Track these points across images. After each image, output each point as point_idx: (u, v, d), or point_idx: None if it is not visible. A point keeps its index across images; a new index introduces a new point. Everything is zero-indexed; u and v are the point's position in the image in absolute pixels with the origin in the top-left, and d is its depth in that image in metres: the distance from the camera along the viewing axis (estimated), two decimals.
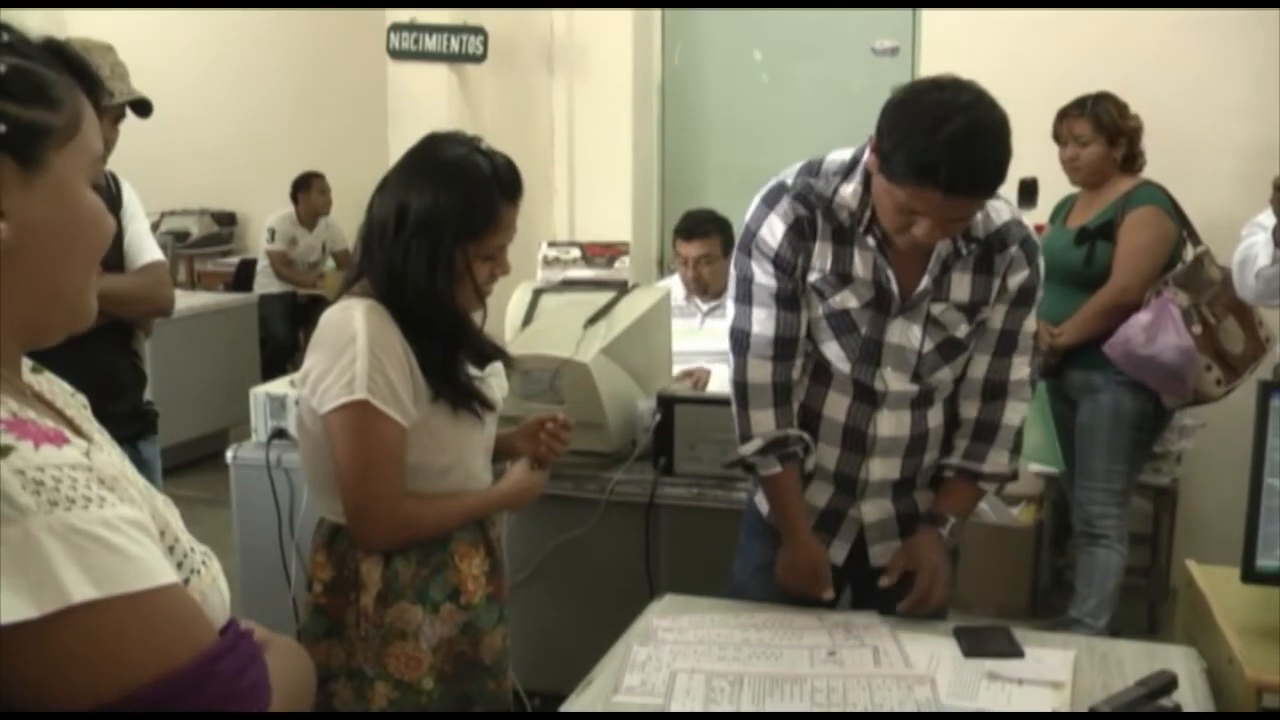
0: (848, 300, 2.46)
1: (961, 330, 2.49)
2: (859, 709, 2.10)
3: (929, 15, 5.65)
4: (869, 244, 2.41)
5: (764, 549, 2.65)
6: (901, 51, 5.76)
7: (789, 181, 2.45)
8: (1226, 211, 3.63)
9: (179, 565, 1.21)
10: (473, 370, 2.31)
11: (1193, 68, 5.19)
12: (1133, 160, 4.48)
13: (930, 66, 5.59)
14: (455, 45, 5.38)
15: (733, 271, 2.52)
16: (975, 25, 5.46)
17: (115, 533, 1.08)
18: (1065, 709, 2.08)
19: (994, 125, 2.22)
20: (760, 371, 2.49)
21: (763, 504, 2.67)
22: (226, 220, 9.51)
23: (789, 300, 2.47)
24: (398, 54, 5.42)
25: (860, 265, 2.43)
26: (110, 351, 3.18)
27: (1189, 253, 4.34)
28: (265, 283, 8.30)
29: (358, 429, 2.13)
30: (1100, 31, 5.25)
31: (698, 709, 2.08)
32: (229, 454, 3.77)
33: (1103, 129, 4.42)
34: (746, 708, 2.07)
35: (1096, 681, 2.19)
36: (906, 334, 2.47)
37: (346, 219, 8.00)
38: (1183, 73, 5.18)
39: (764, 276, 2.46)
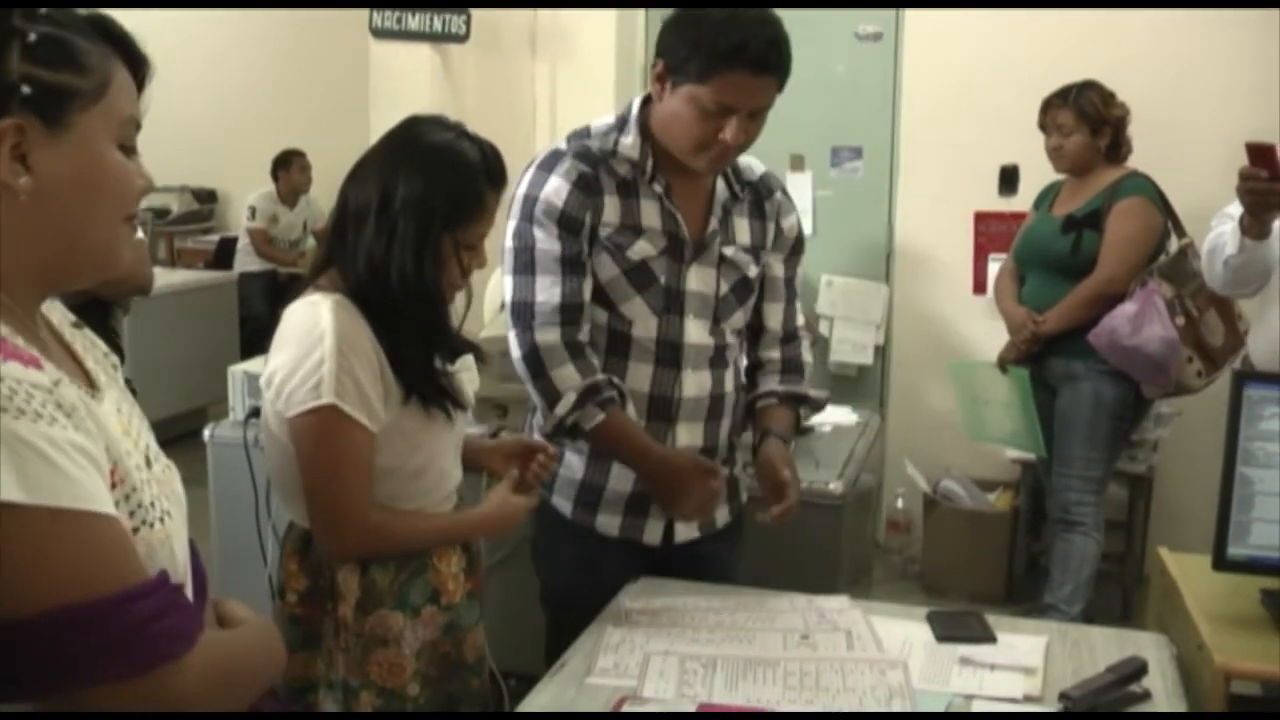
0: (645, 250, 2.47)
1: (752, 270, 2.62)
2: (831, 692, 2.12)
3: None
4: (655, 191, 2.47)
5: (577, 550, 2.62)
6: (885, 37, 5.77)
7: (563, 146, 2.47)
8: (1212, 203, 3.64)
9: (130, 514, 1.26)
10: (446, 366, 2.25)
11: (1180, 58, 5.21)
12: (1118, 149, 4.50)
13: (915, 51, 5.63)
14: (438, 24, 5.37)
15: (509, 243, 2.47)
16: (960, 11, 5.48)
17: (58, 451, 1.14)
18: (1036, 694, 2.10)
19: (777, 16, 2.38)
20: (549, 335, 2.43)
21: (564, 504, 2.61)
22: (207, 197, 9.49)
23: (574, 263, 2.43)
24: (380, 32, 5.40)
25: (648, 215, 2.47)
26: (89, 328, 3.17)
27: (1173, 244, 4.37)
28: (245, 261, 8.28)
29: (324, 435, 2.04)
30: (1088, 19, 5.27)
31: (671, 691, 2.09)
32: (207, 432, 3.76)
33: (1086, 119, 4.44)
34: (719, 690, 2.08)
35: (1068, 667, 2.21)
36: (703, 278, 2.54)
37: (327, 197, 7.93)
38: (1170, 63, 5.20)
39: (548, 241, 2.42)
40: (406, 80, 5.33)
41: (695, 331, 2.53)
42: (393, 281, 2.08)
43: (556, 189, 2.41)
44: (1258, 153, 3.15)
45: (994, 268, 5.09)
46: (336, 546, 2.11)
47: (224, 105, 8.97)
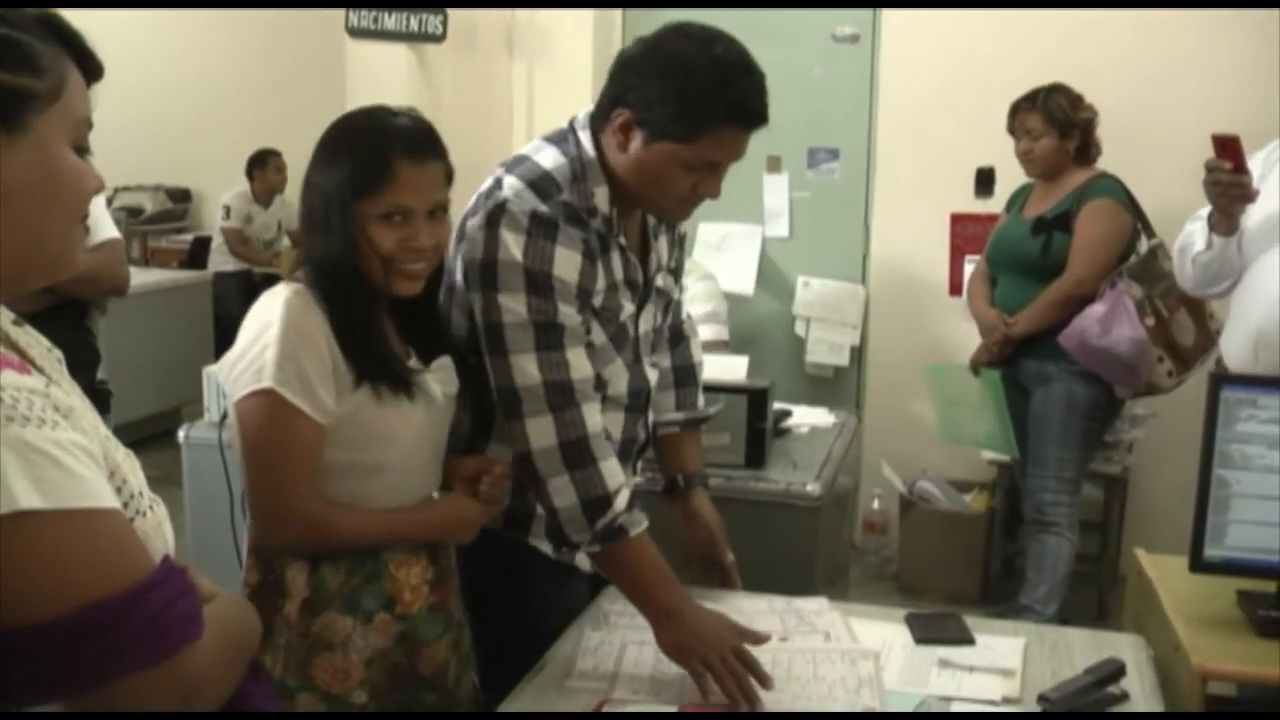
0: (628, 308, 2.34)
1: (675, 294, 2.55)
2: (801, 681, 2.13)
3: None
4: (620, 243, 2.29)
5: (565, 589, 2.44)
6: (862, 39, 5.78)
7: (540, 207, 2.16)
8: (1181, 204, 3.66)
9: (125, 505, 1.27)
10: (415, 364, 2.17)
11: (1151, 61, 5.23)
12: (1087, 151, 4.52)
13: (892, 53, 5.63)
14: (414, 24, 5.36)
15: (525, 319, 2.14)
16: (937, 13, 5.49)
17: (65, 453, 1.16)
18: (1015, 696, 2.10)
19: (752, 58, 2.18)
20: (595, 418, 2.20)
21: (543, 542, 2.36)
22: (181, 197, 9.44)
23: (587, 332, 2.25)
24: (356, 32, 5.39)
25: (616, 268, 2.30)
26: (64, 330, 3.13)
27: (1143, 245, 4.39)
28: (220, 260, 8.24)
29: (264, 419, 1.99)
30: (1061, 22, 5.29)
31: (645, 675, 2.13)
32: (181, 433, 3.75)
33: (1054, 122, 4.45)
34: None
35: (1046, 669, 2.21)
36: (648, 317, 2.43)
37: None
38: (1141, 66, 5.23)
39: (569, 315, 2.17)
40: (383, 80, 5.31)
41: (650, 372, 2.47)
42: (323, 265, 2.05)
43: (568, 263, 2.16)
44: (1222, 144, 3.17)
45: (970, 269, 5.10)
46: (270, 535, 2.05)
47: (199, 104, 8.93)
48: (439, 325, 2.25)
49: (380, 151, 2.03)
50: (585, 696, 2.06)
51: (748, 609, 2.44)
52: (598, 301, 2.25)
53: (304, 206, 2.10)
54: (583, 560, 2.38)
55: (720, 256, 5.78)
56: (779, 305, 5.95)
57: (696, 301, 4.94)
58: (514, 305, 2.14)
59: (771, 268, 5.99)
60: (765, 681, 2.07)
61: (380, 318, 2.13)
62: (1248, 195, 3.25)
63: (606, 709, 1.95)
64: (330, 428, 2.02)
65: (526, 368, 2.15)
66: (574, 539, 2.21)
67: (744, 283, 5.89)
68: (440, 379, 2.20)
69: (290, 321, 1.98)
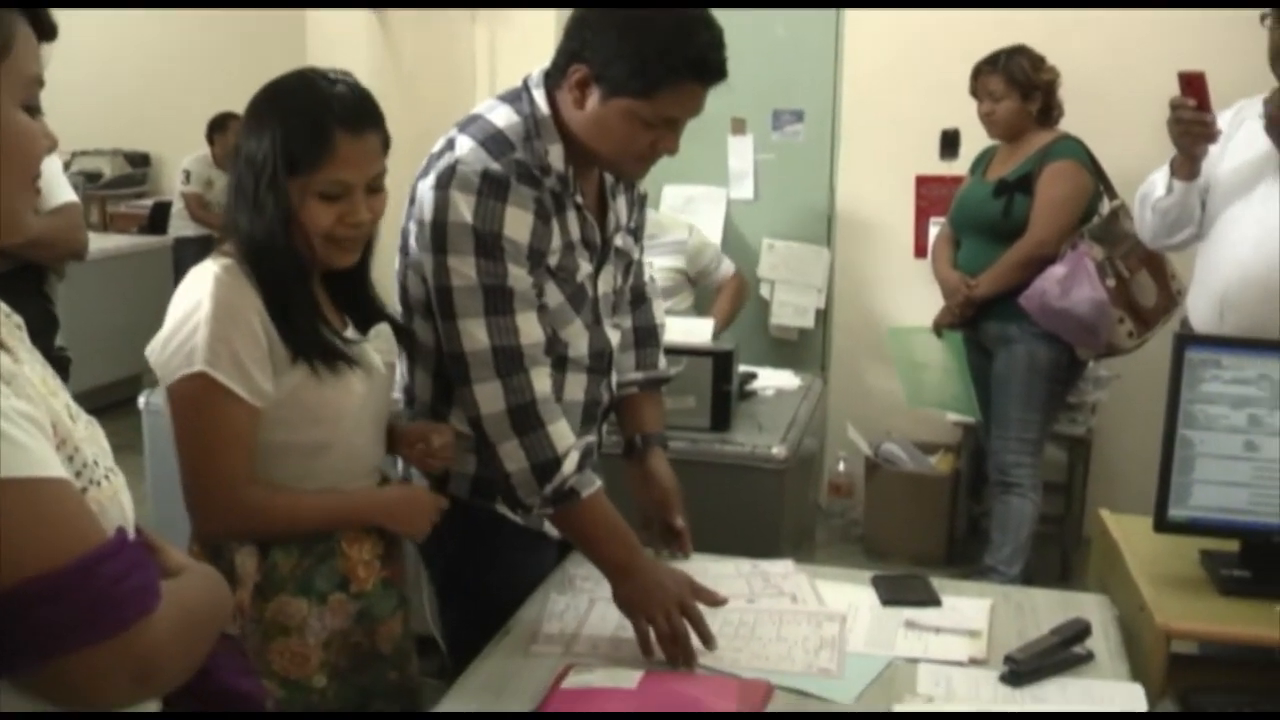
0: (585, 268, 2.30)
1: (635, 254, 2.52)
2: (764, 641, 2.14)
3: None
4: (576, 201, 2.26)
5: (533, 555, 2.42)
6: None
7: (492, 166, 2.12)
8: (1143, 166, 3.66)
9: (76, 475, 1.23)
10: (353, 334, 2.11)
11: (1114, 23, 5.22)
12: (1049, 113, 4.52)
13: (856, 14, 5.61)
14: None
15: (474, 282, 2.12)
16: None
17: (6, 420, 1.12)
18: (981, 657, 2.10)
19: (711, 13, 2.15)
20: (543, 382, 2.19)
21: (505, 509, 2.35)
22: (140, 161, 9.33)
23: (540, 294, 2.22)
24: None
25: (573, 227, 2.26)
26: (22, 295, 3.09)
27: (1105, 206, 4.40)
28: (180, 225, 8.15)
29: (195, 404, 1.92)
30: None
31: (607, 636, 2.14)
32: (141, 400, 3.71)
33: (1016, 84, 4.45)
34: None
35: (1012, 629, 2.22)
36: (607, 278, 2.40)
37: None
38: (1103, 28, 5.22)
39: (519, 278, 2.15)
40: (344, 43, 5.25)
41: (612, 333, 2.44)
42: (252, 241, 1.96)
43: (520, 223, 2.13)
44: (1187, 81, 3.17)
45: (935, 231, 5.10)
46: (206, 523, 1.99)
47: (158, 67, 8.82)
48: (373, 292, 2.19)
49: (318, 124, 1.94)
50: (550, 661, 2.06)
51: (713, 571, 2.43)
52: (553, 261, 2.22)
53: (233, 175, 2.01)
54: (551, 527, 2.36)
55: (684, 218, 5.76)
56: (743, 268, 5.90)
57: (702, 253, 4.97)
58: (463, 268, 2.11)
59: (736, 230, 5.97)
60: (708, 641, 2.11)
61: (315, 295, 2.06)
62: (1210, 135, 3.25)
63: (571, 676, 1.94)
64: (269, 408, 1.96)
65: (475, 333, 2.13)
66: (526, 502, 2.20)
67: None
68: (379, 347, 2.16)
69: (221, 300, 1.91)
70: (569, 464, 2.18)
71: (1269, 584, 2.34)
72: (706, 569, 2.45)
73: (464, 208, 2.10)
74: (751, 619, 2.23)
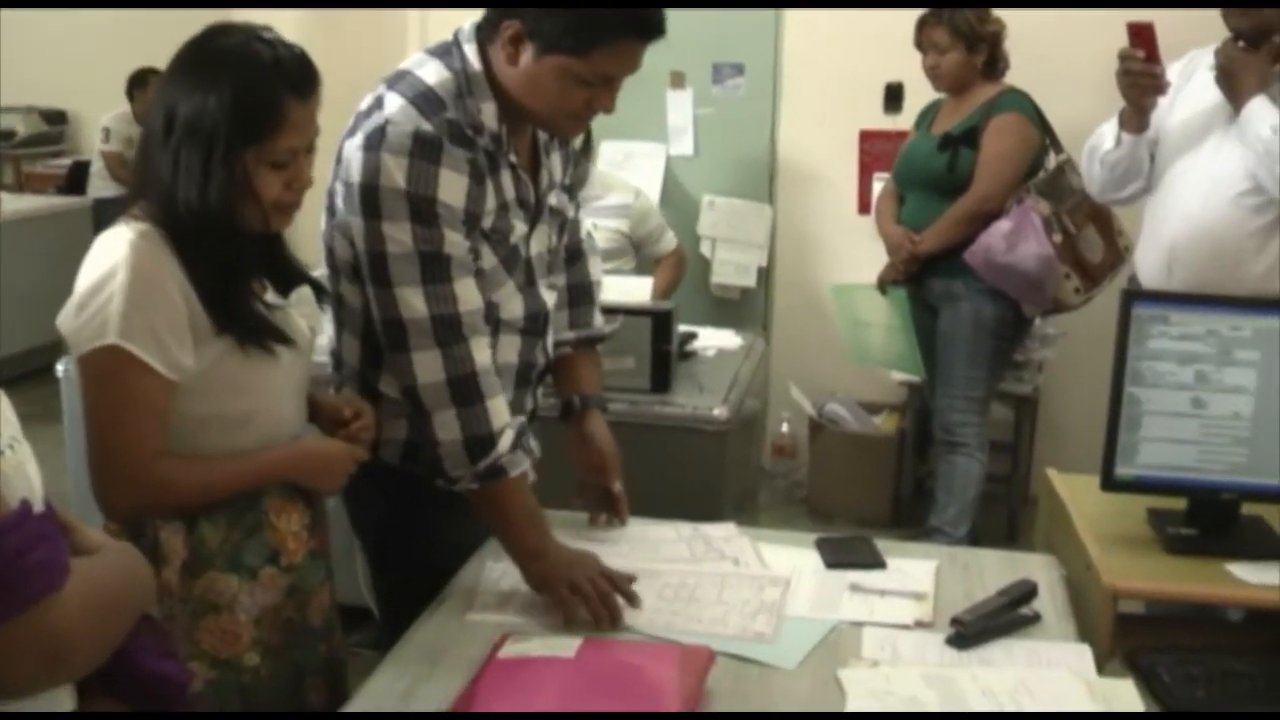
0: (520, 229, 2.28)
1: (571, 211, 2.50)
2: (703, 604, 2.15)
3: None
4: (510, 160, 2.22)
5: (468, 522, 2.31)
6: None
7: (423, 126, 2.08)
8: (1090, 119, 3.68)
9: None
10: (274, 299, 2.08)
11: None
12: (995, 65, 4.52)
13: None
14: None
15: (410, 249, 2.08)
16: None
17: None
18: (927, 620, 2.11)
19: None
20: (483, 353, 2.17)
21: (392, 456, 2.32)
22: (56, 119, 9.19)
23: (476, 258, 2.19)
24: None
25: (506, 187, 2.23)
26: None
27: (1051, 161, 4.41)
28: (100, 186, 8.04)
29: (108, 378, 1.87)
30: None
31: (542, 600, 2.14)
32: (60, 367, 3.66)
33: (961, 36, 4.45)
34: None
35: (958, 591, 2.23)
36: (541, 238, 2.37)
37: None
38: None
39: (455, 243, 2.11)
40: None
41: (547, 294, 2.41)
42: (181, 212, 1.90)
43: (454, 186, 2.10)
44: (1136, 31, 3.18)
45: (879, 187, 5.11)
46: (112, 500, 1.93)
47: (75, 20, 8.66)
48: (292, 254, 2.15)
49: (269, 92, 1.90)
50: (487, 630, 2.04)
51: (653, 536, 2.43)
52: (487, 224, 2.19)
53: (161, 137, 1.92)
54: None
55: (632, 182, 5.74)
56: (683, 225, 5.89)
57: (645, 221, 4.94)
58: (398, 234, 2.08)
59: (675, 187, 5.95)
60: (632, 599, 2.13)
61: (251, 271, 2.03)
62: (1159, 87, 3.27)
63: (509, 645, 1.93)
64: (189, 380, 1.92)
65: (412, 301, 2.10)
66: (452, 474, 2.18)
67: None
68: (304, 313, 2.13)
69: (138, 268, 1.86)
70: (504, 441, 2.17)
71: (1216, 542, 2.37)
72: (646, 533, 2.45)
73: (396, 171, 2.06)
74: (693, 581, 2.24)
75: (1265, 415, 2.33)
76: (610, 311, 2.84)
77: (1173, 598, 2.44)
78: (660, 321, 3.47)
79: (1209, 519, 2.40)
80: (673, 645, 1.95)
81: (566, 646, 1.90)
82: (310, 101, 1.96)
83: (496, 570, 2.28)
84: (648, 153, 5.93)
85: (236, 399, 1.99)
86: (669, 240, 5.03)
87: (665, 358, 3.48)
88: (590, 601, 2.10)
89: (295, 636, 2.09)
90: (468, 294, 2.14)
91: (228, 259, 1.95)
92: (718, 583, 2.24)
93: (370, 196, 2.07)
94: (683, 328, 3.79)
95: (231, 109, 1.88)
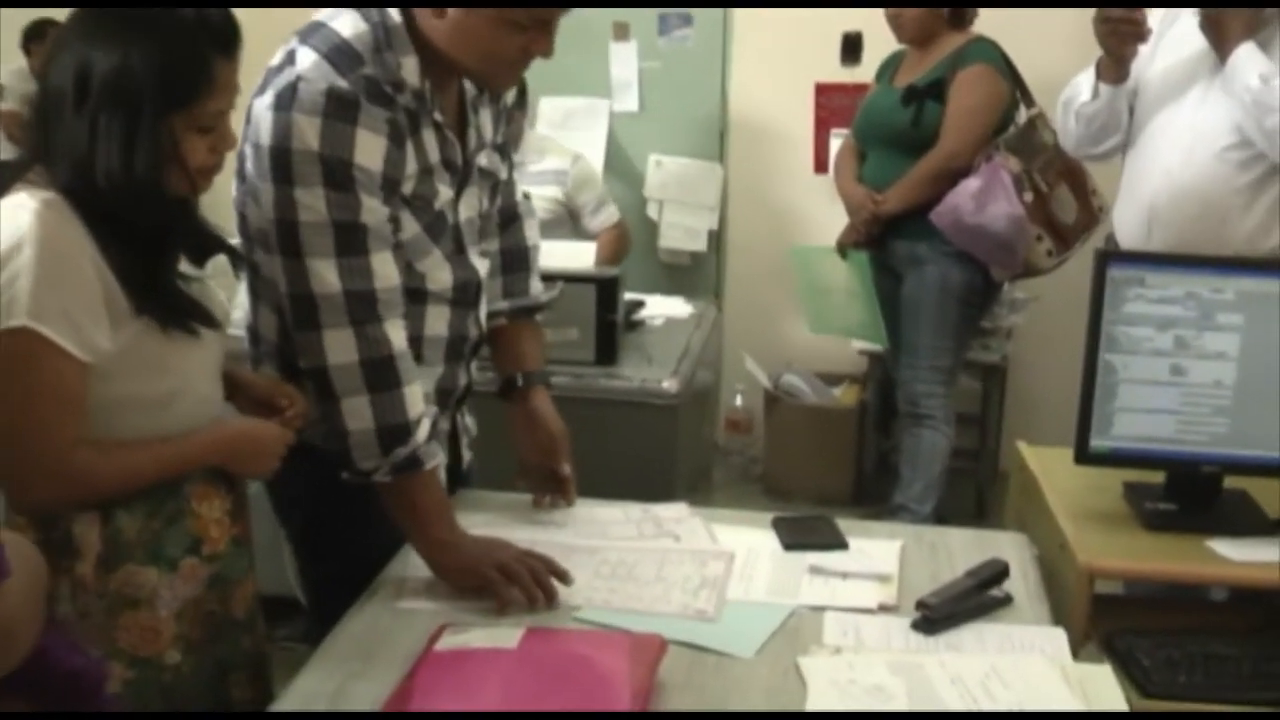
0: (445, 194, 2.25)
1: (503, 173, 2.48)
2: (644, 583, 2.18)
3: None
4: (434, 119, 2.19)
5: (379, 500, 2.26)
6: None
7: (338, 83, 2.03)
8: (1063, 71, 3.69)
9: None
10: (190, 269, 2.03)
11: None
12: (961, 15, 4.51)
13: None
14: None
15: (324, 218, 2.04)
16: None
17: None
18: (892, 603, 2.11)
19: None
20: (399, 334, 2.15)
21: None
22: None
23: (396, 228, 2.16)
24: None
25: (431, 148, 2.20)
26: None
27: (1022, 115, 4.40)
28: None
29: (18, 362, 1.81)
30: None
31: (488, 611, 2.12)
32: None
33: None
34: None
35: (924, 573, 2.23)
36: (470, 202, 2.33)
37: None
38: None
39: (373, 211, 2.08)
40: None
41: (479, 262, 2.38)
42: (100, 182, 1.84)
43: (372, 149, 2.06)
44: None
45: (837, 144, 5.10)
46: (25, 493, 1.89)
47: None
48: (206, 220, 2.09)
49: (197, 53, 1.86)
50: (423, 618, 2.03)
51: (601, 517, 2.43)
52: (408, 189, 2.16)
53: (69, 96, 1.86)
54: None
55: (563, 135, 5.71)
56: (629, 187, 5.90)
57: (582, 190, 4.89)
58: (311, 201, 2.04)
59: (620, 146, 5.93)
60: (564, 577, 2.14)
61: (175, 247, 1.99)
62: (1140, 35, 3.27)
63: (447, 636, 1.92)
64: (106, 360, 1.87)
65: (325, 274, 2.07)
66: (362, 465, 2.15)
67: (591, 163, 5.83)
68: (222, 284, 2.10)
69: (46, 242, 1.81)
70: (421, 431, 2.16)
71: (1197, 518, 2.39)
72: (593, 515, 2.44)
73: (308, 132, 2.01)
74: (632, 559, 2.25)
75: (1248, 383, 2.35)
76: (550, 279, 2.82)
77: (1152, 577, 2.45)
78: (605, 289, 3.46)
79: (1189, 493, 2.42)
80: (623, 634, 1.95)
81: (508, 637, 1.89)
82: (235, 59, 1.93)
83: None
84: (590, 110, 5.90)
85: (157, 379, 1.95)
86: (610, 212, 4.98)
87: (611, 328, 3.47)
88: (522, 581, 2.10)
89: (218, 630, 2.07)
90: (385, 269, 2.12)
91: (152, 234, 1.91)
92: (658, 559, 2.25)
93: (281, 160, 2.03)
94: (629, 295, 3.78)
95: (158, 71, 1.84)
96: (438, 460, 2.21)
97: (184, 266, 2.02)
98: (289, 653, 2.29)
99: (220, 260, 2.13)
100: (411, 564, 2.25)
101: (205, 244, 2.08)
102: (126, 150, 1.84)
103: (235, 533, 2.10)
